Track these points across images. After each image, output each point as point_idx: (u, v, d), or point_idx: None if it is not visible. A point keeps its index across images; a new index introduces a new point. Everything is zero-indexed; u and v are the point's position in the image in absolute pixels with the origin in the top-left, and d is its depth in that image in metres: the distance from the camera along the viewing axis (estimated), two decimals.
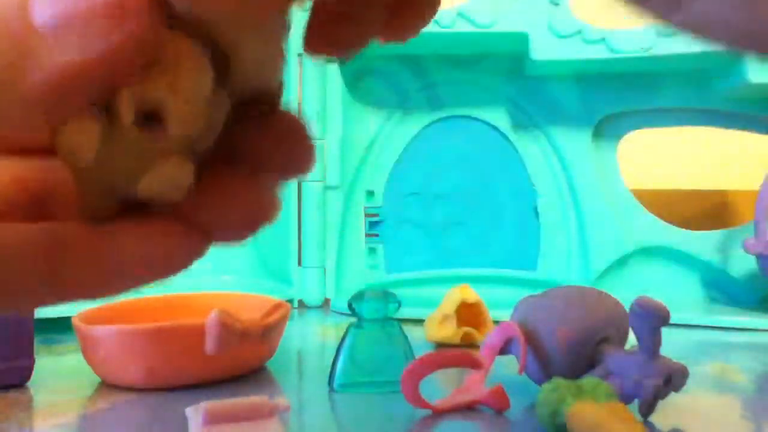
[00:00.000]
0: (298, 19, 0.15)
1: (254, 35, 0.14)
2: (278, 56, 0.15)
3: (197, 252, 0.14)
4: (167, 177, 0.13)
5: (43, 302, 0.14)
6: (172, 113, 0.13)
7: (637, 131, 0.72)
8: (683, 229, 0.70)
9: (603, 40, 0.65)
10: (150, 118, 0.13)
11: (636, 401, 0.34)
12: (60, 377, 0.43)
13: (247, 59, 0.14)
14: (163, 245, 0.14)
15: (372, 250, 0.74)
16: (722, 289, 0.68)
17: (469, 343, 0.50)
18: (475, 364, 0.37)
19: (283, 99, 0.16)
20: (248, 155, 0.15)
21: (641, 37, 0.64)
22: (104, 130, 0.13)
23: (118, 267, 0.14)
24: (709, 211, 0.83)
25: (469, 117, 0.74)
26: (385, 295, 0.41)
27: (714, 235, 0.69)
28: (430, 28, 0.70)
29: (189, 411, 0.31)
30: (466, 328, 0.51)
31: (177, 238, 0.14)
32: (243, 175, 0.15)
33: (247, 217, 0.15)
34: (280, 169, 0.15)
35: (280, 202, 0.15)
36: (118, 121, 0.13)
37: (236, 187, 0.15)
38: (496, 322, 0.43)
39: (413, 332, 0.47)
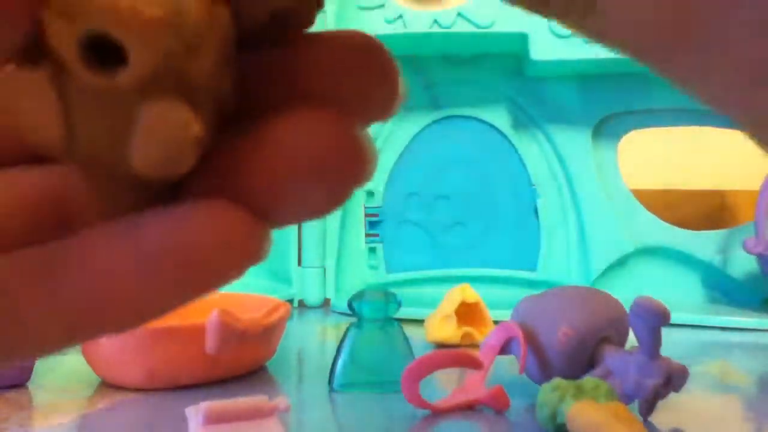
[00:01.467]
0: None
1: None
2: None
3: (252, 237, 0.10)
4: (157, 131, 0.09)
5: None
6: (129, 39, 0.09)
7: (637, 131, 0.72)
8: (683, 229, 0.70)
9: None
10: (107, 53, 0.09)
11: (636, 401, 0.34)
12: (60, 377, 0.43)
13: None
14: (201, 231, 0.10)
15: (372, 250, 0.74)
16: (722, 289, 0.68)
17: (469, 343, 0.50)
18: (475, 364, 0.37)
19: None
20: (301, 94, 0.11)
21: None
22: (55, 82, 0.09)
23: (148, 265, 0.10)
24: (709, 211, 0.83)
25: (469, 117, 0.74)
26: (385, 295, 0.41)
27: (714, 235, 0.69)
28: (430, 28, 0.70)
29: (189, 411, 0.31)
30: (466, 328, 0.51)
31: (217, 219, 0.10)
32: (297, 119, 0.10)
33: (317, 177, 0.10)
34: (353, 106, 0.11)
35: (369, 148, 0.10)
36: (64, 67, 0.09)
37: (291, 138, 0.10)
38: (496, 322, 0.43)
39: (413, 332, 0.47)
